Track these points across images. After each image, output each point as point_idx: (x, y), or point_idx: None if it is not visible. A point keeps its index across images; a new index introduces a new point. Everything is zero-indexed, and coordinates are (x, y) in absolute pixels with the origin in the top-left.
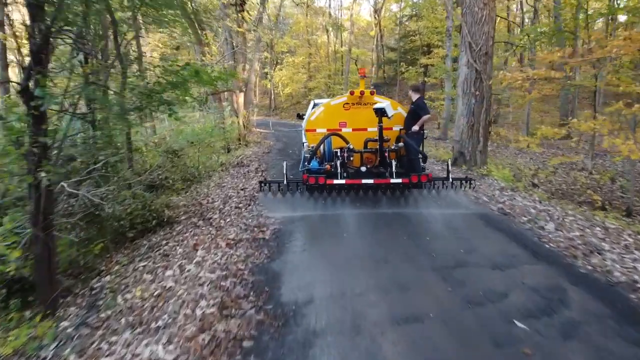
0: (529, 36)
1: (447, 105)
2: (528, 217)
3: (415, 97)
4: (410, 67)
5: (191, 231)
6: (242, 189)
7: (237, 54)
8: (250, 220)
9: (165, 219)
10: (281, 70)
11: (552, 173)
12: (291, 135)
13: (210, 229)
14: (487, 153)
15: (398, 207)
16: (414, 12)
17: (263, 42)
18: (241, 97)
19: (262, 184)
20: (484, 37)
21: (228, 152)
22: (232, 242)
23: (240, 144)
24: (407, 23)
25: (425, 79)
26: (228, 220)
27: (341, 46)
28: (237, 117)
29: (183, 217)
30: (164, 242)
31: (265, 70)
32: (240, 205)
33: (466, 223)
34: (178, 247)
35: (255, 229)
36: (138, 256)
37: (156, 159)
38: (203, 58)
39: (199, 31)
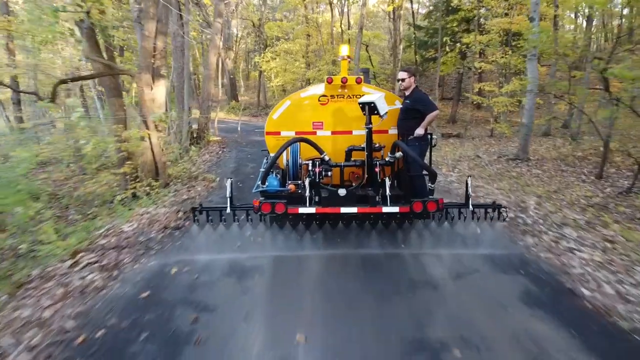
0: None
1: (530, 104)
2: None
3: (410, 83)
4: (457, 44)
5: None
6: None
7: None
8: None
9: None
10: (275, 59)
11: None
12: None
13: None
14: None
15: None
16: None
17: (240, 13)
18: (158, 90)
19: (196, 211)
20: None
21: (134, 197)
22: None
23: (156, 180)
24: None
25: (474, 64)
26: None
27: (348, 27)
28: (147, 129)
29: None
30: None
31: (256, 58)
32: None
33: None
34: None
35: None
36: None
37: None
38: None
39: None
